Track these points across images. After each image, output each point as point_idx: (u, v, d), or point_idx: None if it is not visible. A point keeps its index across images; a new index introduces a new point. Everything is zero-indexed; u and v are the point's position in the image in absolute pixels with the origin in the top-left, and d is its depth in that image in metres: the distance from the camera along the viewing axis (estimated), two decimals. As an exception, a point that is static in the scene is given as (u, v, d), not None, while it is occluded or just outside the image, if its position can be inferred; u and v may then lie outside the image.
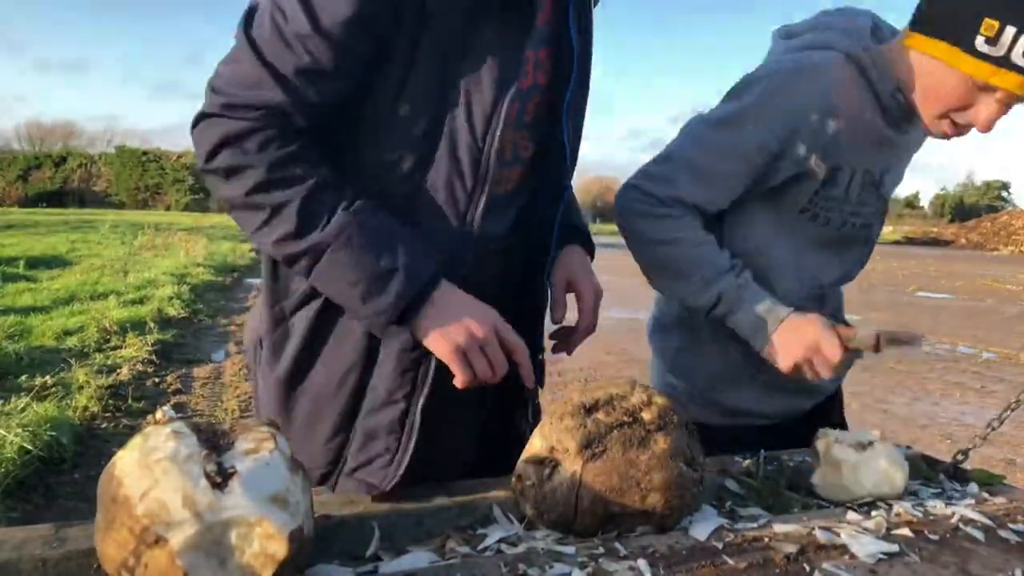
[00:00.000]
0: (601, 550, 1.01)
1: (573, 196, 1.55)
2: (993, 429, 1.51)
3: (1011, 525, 1.20)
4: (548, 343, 1.45)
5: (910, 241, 50.62)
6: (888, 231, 53.11)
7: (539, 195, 1.39)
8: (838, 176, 1.51)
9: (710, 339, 1.64)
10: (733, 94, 1.54)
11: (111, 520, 0.80)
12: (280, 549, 0.79)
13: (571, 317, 1.43)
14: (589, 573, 0.93)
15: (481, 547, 1.03)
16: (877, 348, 1.46)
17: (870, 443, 1.31)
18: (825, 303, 1.66)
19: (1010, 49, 1.31)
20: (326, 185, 1.14)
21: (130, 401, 5.06)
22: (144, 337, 6.88)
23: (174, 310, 8.51)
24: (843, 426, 1.75)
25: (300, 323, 1.25)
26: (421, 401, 1.21)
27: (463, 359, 1.16)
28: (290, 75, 1.11)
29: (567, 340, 1.45)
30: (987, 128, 1.42)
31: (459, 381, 1.17)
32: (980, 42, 1.32)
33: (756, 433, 1.61)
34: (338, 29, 1.09)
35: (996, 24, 1.30)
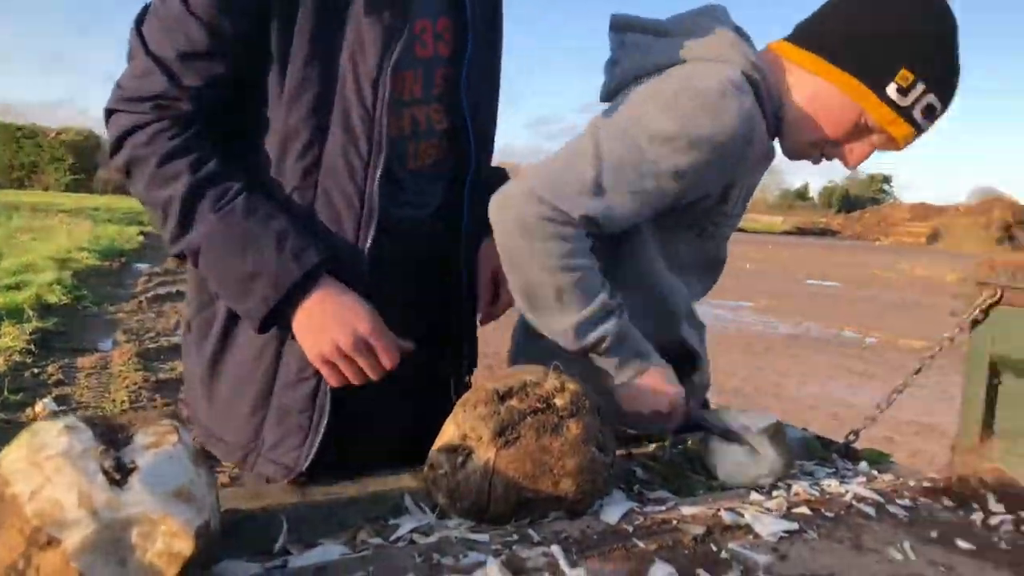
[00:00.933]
0: (515, 537, 1.01)
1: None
2: (881, 411, 1.59)
3: (898, 500, 1.26)
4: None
5: (800, 231, 52.89)
6: (778, 221, 55.37)
7: (457, 181, 1.39)
8: (731, 193, 1.47)
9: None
10: (651, 93, 1.37)
11: (-3, 521, 0.75)
12: (186, 546, 0.76)
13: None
14: (503, 561, 0.93)
15: (393, 538, 1.01)
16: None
17: (757, 429, 1.34)
18: (697, 320, 1.62)
19: (914, 103, 1.34)
20: (210, 181, 1.17)
21: (6, 393, 4.77)
22: (21, 326, 6.49)
23: (55, 297, 8.05)
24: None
25: (223, 304, 1.26)
26: None
27: (330, 366, 1.18)
28: (170, 61, 1.15)
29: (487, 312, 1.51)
30: (855, 166, 1.46)
31: (330, 384, 1.21)
32: (892, 89, 1.33)
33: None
34: (206, 9, 1.14)
35: (911, 76, 1.32)
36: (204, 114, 1.19)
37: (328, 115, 1.21)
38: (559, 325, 1.35)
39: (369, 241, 1.23)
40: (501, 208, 1.32)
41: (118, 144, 1.19)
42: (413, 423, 1.38)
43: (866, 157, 1.43)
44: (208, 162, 1.17)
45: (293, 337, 1.21)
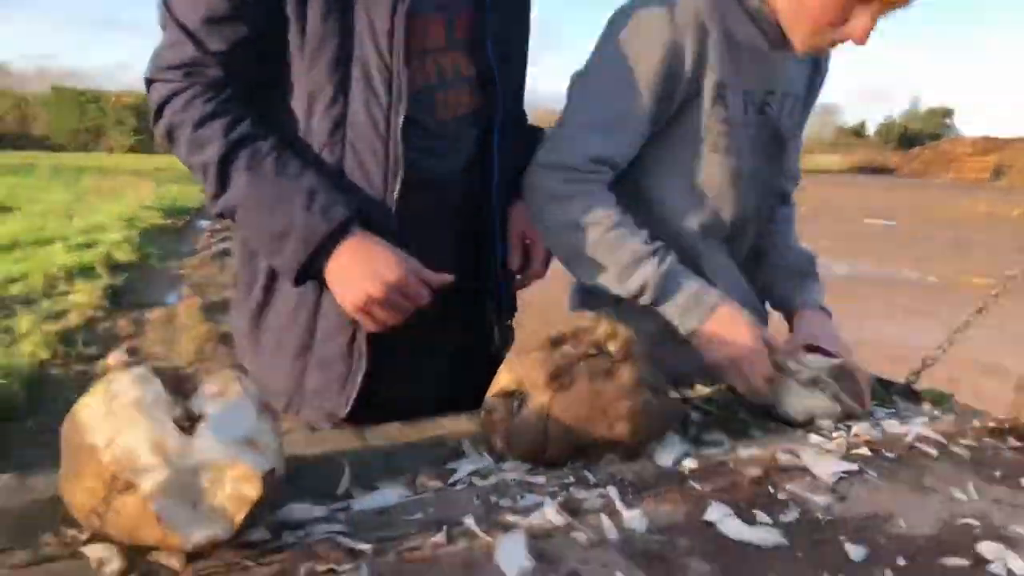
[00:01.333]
0: (571, 479, 1.02)
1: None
2: (943, 351, 1.56)
3: (961, 441, 1.25)
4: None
5: (857, 170, 51.37)
6: (835, 160, 53.78)
7: (488, 131, 1.39)
8: (726, 96, 1.42)
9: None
10: (604, 35, 1.43)
11: (78, 468, 0.79)
12: (253, 490, 0.79)
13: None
14: (560, 502, 0.95)
15: (452, 481, 1.04)
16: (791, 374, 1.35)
17: (821, 373, 1.34)
18: (737, 243, 1.60)
19: None
20: (242, 142, 1.20)
21: (81, 346, 4.97)
22: (93, 282, 6.73)
23: (124, 254, 8.31)
24: None
25: (264, 261, 1.30)
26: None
27: (365, 314, 1.21)
28: (196, 28, 1.19)
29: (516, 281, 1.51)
30: (864, 40, 1.36)
31: (368, 330, 1.24)
32: None
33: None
34: None
35: None
36: (234, 78, 1.23)
37: (349, 69, 1.22)
38: (602, 280, 1.38)
39: (396, 192, 1.24)
40: (526, 191, 1.43)
41: (159, 112, 1.24)
42: (451, 370, 1.40)
43: (871, 28, 1.33)
44: (240, 124, 1.21)
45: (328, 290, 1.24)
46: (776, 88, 1.49)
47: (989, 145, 48.23)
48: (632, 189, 1.47)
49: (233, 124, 1.21)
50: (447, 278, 1.25)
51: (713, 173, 1.47)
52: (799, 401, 1.31)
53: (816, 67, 1.61)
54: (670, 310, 1.37)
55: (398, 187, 1.24)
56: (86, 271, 7.13)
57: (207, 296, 6.73)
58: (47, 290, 6.43)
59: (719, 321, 1.34)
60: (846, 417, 1.32)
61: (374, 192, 1.25)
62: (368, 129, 1.23)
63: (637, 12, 1.38)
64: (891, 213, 18.05)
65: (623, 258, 1.36)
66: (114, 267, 7.66)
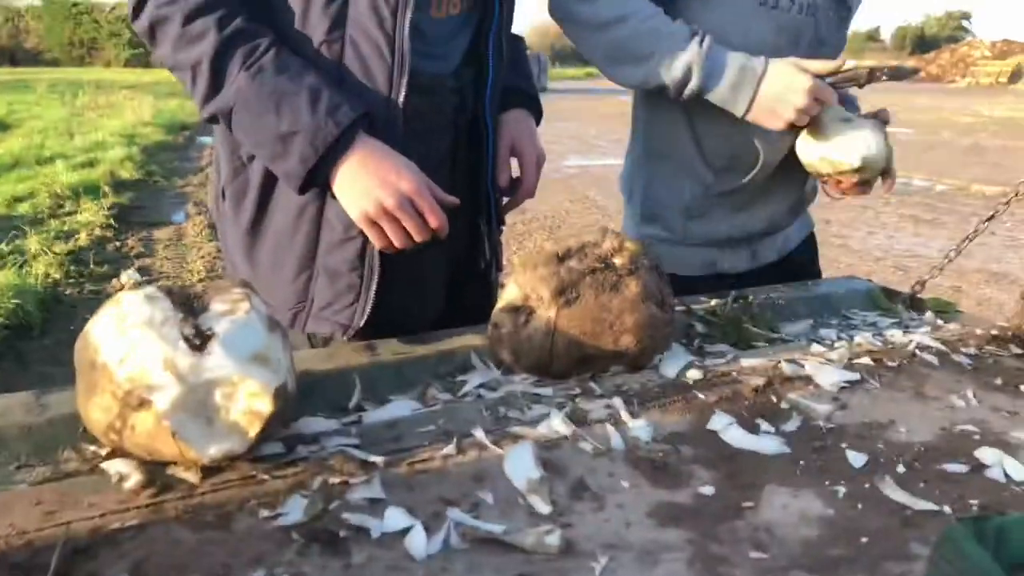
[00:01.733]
0: (577, 391, 1.04)
1: (524, 57, 1.52)
2: (950, 260, 1.55)
3: (963, 349, 1.26)
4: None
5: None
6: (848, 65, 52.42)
7: (480, 37, 1.35)
8: None
9: (676, 166, 1.59)
10: None
11: (92, 386, 0.81)
12: (266, 406, 0.80)
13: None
14: (567, 413, 0.97)
15: (461, 393, 1.06)
16: (870, 79, 1.39)
17: (857, 117, 1.40)
18: None
19: None
20: (238, 38, 1.13)
21: (92, 266, 5.01)
22: (99, 201, 6.72)
23: (127, 172, 8.27)
24: (818, 275, 1.77)
25: (258, 170, 1.25)
26: None
27: (373, 226, 1.16)
28: None
29: (507, 202, 1.46)
30: None
31: (376, 246, 1.19)
32: None
33: (729, 286, 1.56)
34: None
35: None
36: None
37: None
38: (643, 74, 1.40)
39: (403, 94, 1.19)
40: (552, 5, 1.43)
41: (140, 6, 1.15)
42: (448, 284, 1.40)
43: None
44: (235, 18, 1.13)
45: (334, 197, 1.19)
46: None
47: (1008, 48, 46.95)
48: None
49: (227, 18, 1.13)
50: (454, 200, 1.21)
51: (759, 28, 1.44)
52: (853, 141, 1.38)
53: None
54: (722, 89, 1.38)
55: (403, 89, 1.19)
56: (91, 190, 7.11)
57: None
58: (54, 210, 6.43)
59: (769, 85, 1.36)
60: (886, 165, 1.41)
61: (379, 92, 1.20)
62: (372, 26, 1.17)
63: None
64: (907, 120, 17.73)
65: (662, 46, 1.36)
66: (119, 185, 7.64)
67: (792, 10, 1.46)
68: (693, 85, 1.37)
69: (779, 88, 1.35)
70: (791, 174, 1.57)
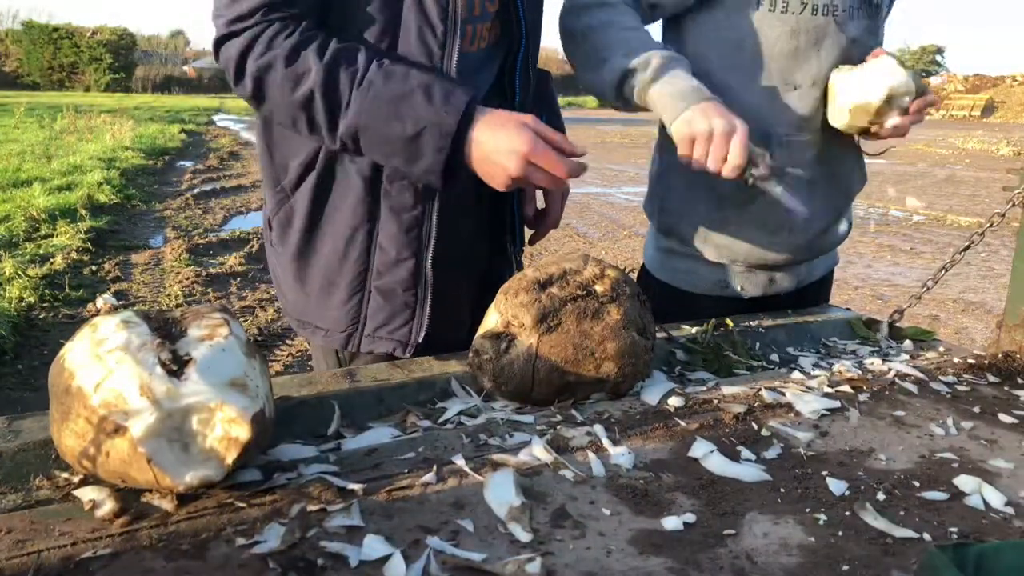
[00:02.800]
0: (558, 418, 1.04)
1: (552, 93, 1.57)
2: (928, 289, 1.57)
3: (942, 378, 1.27)
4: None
5: (847, 107, 50.78)
6: (826, 97, 53.19)
7: (506, 69, 1.38)
8: None
9: (691, 178, 1.51)
10: None
11: (66, 411, 0.79)
12: (243, 432, 0.79)
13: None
14: (548, 440, 0.96)
15: (442, 420, 1.05)
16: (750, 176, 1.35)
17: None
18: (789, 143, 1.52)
19: None
20: (338, 62, 1.15)
21: (68, 290, 4.95)
22: (76, 225, 6.66)
23: (105, 196, 8.21)
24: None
25: (302, 198, 1.29)
26: (429, 257, 1.27)
27: (521, 183, 1.19)
28: None
29: (532, 233, 1.52)
30: None
31: (543, 185, 1.23)
32: None
33: (738, 309, 1.56)
34: None
35: None
36: (309, 9, 1.19)
37: (400, 2, 1.20)
38: (603, 74, 1.42)
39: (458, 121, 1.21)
40: (560, 16, 1.48)
41: (240, 68, 1.18)
42: (477, 305, 1.41)
43: None
44: (328, 45, 1.16)
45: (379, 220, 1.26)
46: None
47: (980, 83, 47.95)
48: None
49: (322, 47, 1.16)
50: (582, 150, 1.22)
51: (772, 32, 1.44)
52: (872, 78, 1.40)
53: None
54: (666, 88, 1.36)
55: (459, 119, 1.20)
56: (68, 213, 7.05)
57: (192, 238, 6.69)
58: (29, 233, 6.37)
59: (707, 109, 1.33)
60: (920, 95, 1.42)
61: None
62: (421, 59, 1.21)
63: None
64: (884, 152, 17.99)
65: (634, 44, 1.39)
66: (96, 209, 7.58)
67: (805, 11, 1.44)
68: (645, 75, 1.37)
69: (703, 112, 1.32)
70: (818, 201, 1.54)
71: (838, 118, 1.43)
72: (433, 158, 1.15)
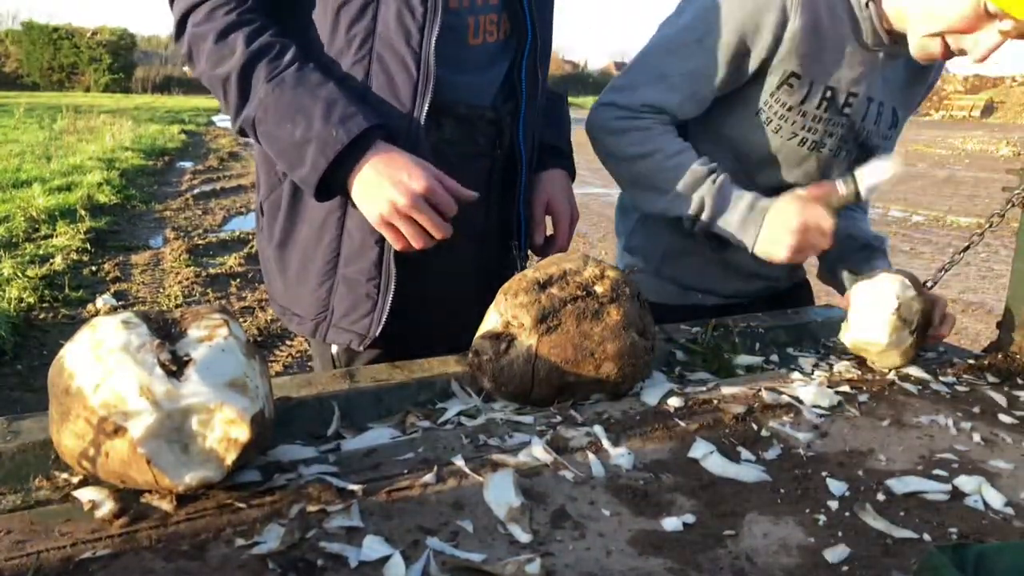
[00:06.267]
0: (559, 418, 1.04)
1: (565, 115, 1.58)
2: (928, 289, 1.57)
3: (942, 378, 1.27)
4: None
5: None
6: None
7: (514, 66, 1.38)
8: (794, 83, 1.44)
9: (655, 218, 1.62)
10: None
11: (66, 412, 0.79)
12: (243, 433, 0.79)
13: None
14: (548, 440, 0.96)
15: (441, 421, 1.05)
16: (859, 195, 1.39)
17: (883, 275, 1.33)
18: None
19: None
20: (263, 52, 1.17)
21: (67, 291, 4.94)
22: (76, 225, 6.66)
23: (105, 197, 8.21)
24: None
25: (288, 183, 1.30)
26: (393, 248, 1.25)
27: (390, 228, 1.18)
28: None
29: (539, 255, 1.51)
30: (983, 59, 1.31)
31: (395, 247, 1.21)
32: None
33: (713, 312, 1.59)
34: None
35: None
36: None
37: None
38: (658, 205, 1.48)
39: (426, 108, 1.22)
40: (588, 127, 1.51)
41: (181, 25, 1.22)
42: (477, 300, 1.41)
43: (995, 47, 1.28)
44: (262, 34, 1.18)
45: (354, 206, 1.22)
46: (860, 91, 1.48)
47: (980, 83, 47.96)
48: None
49: (255, 34, 1.18)
50: (472, 194, 1.22)
51: (757, 139, 1.50)
52: (874, 314, 1.29)
53: (918, 77, 1.57)
54: (731, 223, 1.43)
55: (427, 106, 1.22)
56: (68, 214, 7.05)
57: (192, 239, 6.69)
58: (29, 233, 6.36)
59: (772, 219, 1.40)
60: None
61: (401, 109, 1.23)
62: (399, 41, 1.20)
63: None
64: (878, 151, 17.98)
65: (681, 181, 1.43)
66: (96, 209, 7.58)
67: (794, 140, 1.50)
68: (703, 221, 1.44)
69: (777, 226, 1.40)
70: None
71: (847, 339, 1.33)
72: (310, 170, 1.16)
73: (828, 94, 1.46)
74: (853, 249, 1.61)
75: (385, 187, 1.15)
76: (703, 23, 1.42)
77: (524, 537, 0.77)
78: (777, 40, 1.39)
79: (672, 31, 1.48)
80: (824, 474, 0.92)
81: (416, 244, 1.19)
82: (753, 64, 1.43)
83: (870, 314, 1.27)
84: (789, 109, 1.46)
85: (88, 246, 6.12)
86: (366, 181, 1.17)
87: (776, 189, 1.53)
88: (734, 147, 1.53)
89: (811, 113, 1.47)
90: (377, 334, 1.29)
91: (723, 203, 1.43)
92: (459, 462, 0.90)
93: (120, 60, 36.64)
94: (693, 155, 1.45)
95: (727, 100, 1.50)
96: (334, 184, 1.19)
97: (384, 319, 1.28)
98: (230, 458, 0.79)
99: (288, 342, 4.24)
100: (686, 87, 1.45)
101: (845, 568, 0.74)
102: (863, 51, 1.44)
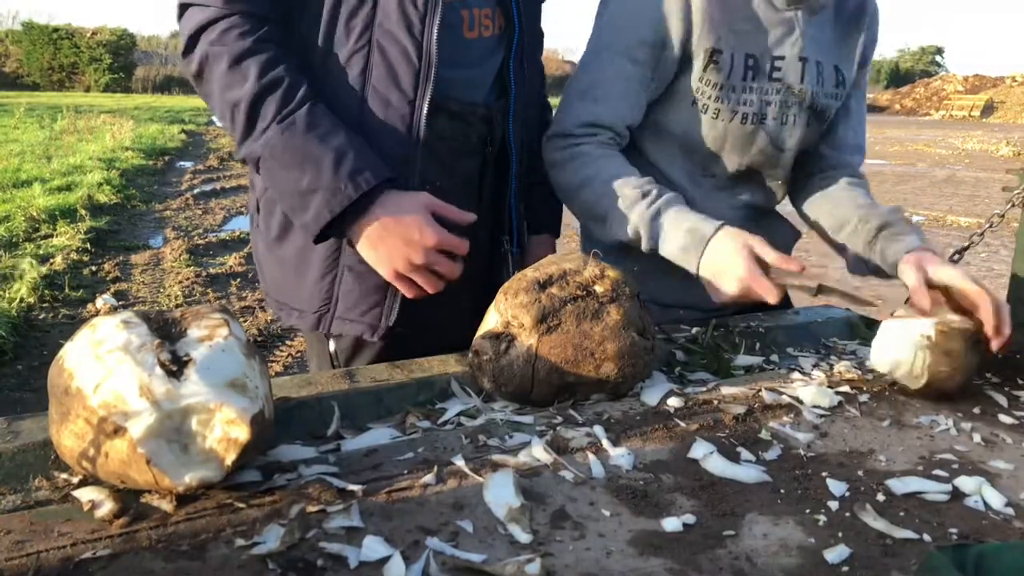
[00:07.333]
0: (559, 419, 1.03)
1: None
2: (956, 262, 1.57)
3: (942, 378, 1.26)
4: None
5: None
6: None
7: (505, 61, 1.39)
8: (719, 59, 1.42)
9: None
10: (600, 4, 1.49)
11: (66, 412, 0.79)
12: (242, 433, 0.79)
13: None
14: (548, 441, 0.96)
15: (441, 421, 1.05)
16: (819, 291, 1.27)
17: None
18: (737, 193, 1.58)
19: None
20: (275, 86, 1.16)
21: (67, 290, 4.95)
22: (76, 225, 6.67)
23: (105, 196, 8.20)
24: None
25: None
26: None
27: (404, 280, 1.21)
28: None
29: None
30: None
31: (408, 295, 1.24)
32: None
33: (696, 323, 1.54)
34: None
35: None
36: (276, 4, 1.20)
37: None
38: (605, 233, 1.43)
39: (428, 99, 1.23)
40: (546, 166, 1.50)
41: (192, 41, 1.20)
42: (474, 298, 1.41)
43: None
44: (275, 67, 1.17)
45: (355, 251, 1.24)
46: (787, 53, 1.46)
47: (980, 83, 47.95)
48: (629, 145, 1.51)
49: (268, 65, 1.17)
50: (471, 216, 1.24)
51: (700, 131, 1.47)
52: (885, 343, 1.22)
53: (850, 29, 1.54)
54: (673, 254, 1.36)
55: (428, 96, 1.23)
56: (68, 214, 7.05)
57: (192, 239, 6.69)
58: (29, 233, 6.36)
59: (714, 258, 1.30)
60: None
61: (403, 100, 1.23)
62: (401, 31, 1.21)
63: None
64: (882, 152, 17.99)
65: (614, 209, 1.39)
66: (96, 209, 7.58)
67: (735, 119, 1.47)
68: (644, 246, 1.39)
69: (718, 266, 1.30)
70: None
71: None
72: (311, 220, 1.17)
73: (750, 62, 1.44)
74: (870, 234, 1.48)
75: (398, 246, 1.17)
76: (609, 29, 1.44)
77: (524, 537, 0.77)
78: (687, 21, 1.39)
79: (588, 46, 1.48)
80: (824, 474, 0.92)
81: (431, 291, 1.23)
82: (676, 51, 1.41)
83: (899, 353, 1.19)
84: (720, 88, 1.43)
85: (88, 246, 6.13)
86: (375, 238, 1.18)
87: (736, 177, 1.54)
88: (681, 143, 1.50)
89: (739, 85, 1.44)
90: (391, 323, 1.29)
91: (656, 231, 1.36)
92: (459, 462, 0.90)
93: (120, 60, 36.61)
94: (629, 178, 1.39)
95: (664, 97, 1.48)
96: (333, 232, 1.20)
97: (397, 307, 1.29)
98: (230, 458, 0.79)
99: (288, 342, 4.24)
100: (611, 94, 1.43)
101: (845, 568, 0.74)
102: (774, 11, 1.43)
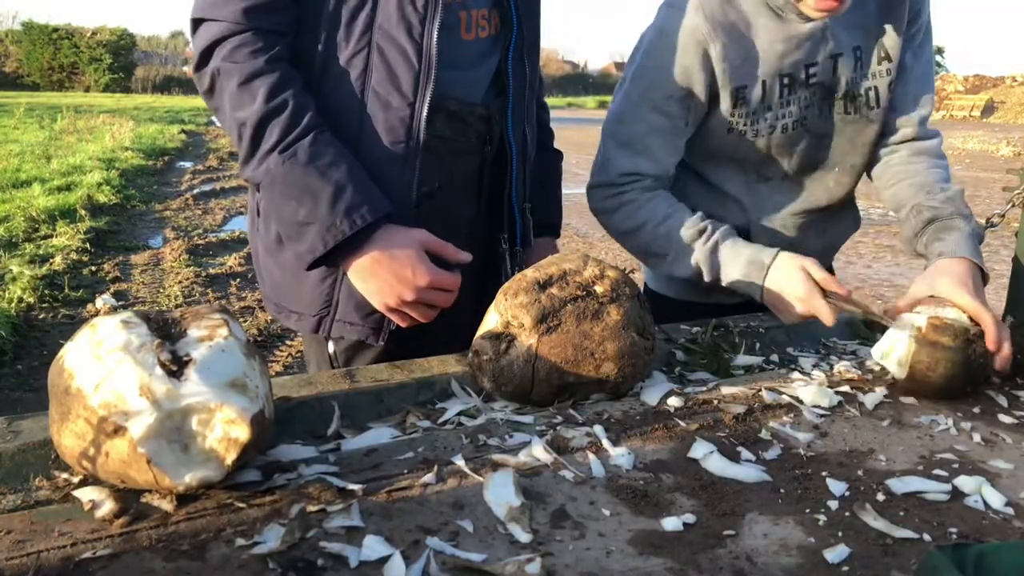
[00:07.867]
0: (559, 418, 1.04)
1: (557, 173, 1.64)
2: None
3: (942, 378, 1.26)
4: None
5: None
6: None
7: (502, 60, 1.39)
8: (745, 94, 1.46)
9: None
10: (632, 55, 1.53)
11: (66, 412, 0.79)
12: (243, 433, 0.79)
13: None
14: (548, 440, 0.96)
15: (441, 420, 1.05)
16: (867, 324, 1.42)
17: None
18: (806, 235, 1.63)
19: None
20: (281, 111, 1.17)
21: (67, 290, 4.95)
22: (76, 225, 6.67)
23: (105, 196, 8.21)
24: None
25: None
26: None
27: (397, 313, 1.23)
28: None
29: None
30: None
31: (401, 325, 1.26)
32: None
33: (730, 310, 1.59)
34: None
35: None
36: (292, 22, 1.21)
37: None
38: (665, 269, 1.52)
39: (427, 101, 1.23)
40: (591, 209, 1.58)
41: (205, 56, 1.20)
42: (476, 302, 1.41)
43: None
44: (283, 90, 1.17)
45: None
46: (819, 57, 1.47)
47: (980, 83, 47.96)
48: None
49: (276, 88, 1.17)
50: (467, 256, 1.25)
51: (743, 148, 1.52)
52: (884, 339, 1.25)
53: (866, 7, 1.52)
54: (735, 282, 1.44)
55: (428, 98, 1.24)
56: (68, 214, 7.05)
57: (192, 239, 6.69)
58: (29, 233, 6.37)
59: (775, 285, 1.38)
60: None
61: (403, 101, 1.24)
62: (401, 33, 1.21)
63: (656, 35, 1.47)
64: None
65: (674, 248, 1.47)
66: (96, 209, 7.58)
67: (775, 132, 1.51)
68: (706, 279, 1.47)
69: (779, 289, 1.38)
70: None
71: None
72: (307, 249, 1.19)
73: (785, 80, 1.48)
74: (919, 226, 1.47)
75: (390, 281, 1.19)
76: (640, 81, 1.48)
77: (524, 537, 0.77)
78: (710, 72, 1.44)
79: (617, 100, 1.53)
80: (824, 474, 0.92)
81: (424, 321, 1.24)
82: (703, 97, 1.46)
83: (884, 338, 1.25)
84: (753, 114, 1.49)
85: (88, 246, 6.13)
86: (367, 272, 1.20)
87: (793, 175, 1.58)
88: (730, 158, 1.56)
89: (775, 103, 1.49)
90: (393, 327, 1.30)
91: (716, 265, 1.45)
92: (459, 462, 0.90)
93: (120, 60, 36.63)
94: (681, 217, 1.48)
95: (702, 129, 1.53)
96: (326, 263, 1.22)
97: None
98: (230, 458, 0.79)
99: (288, 342, 4.24)
100: (651, 145, 1.49)
101: (845, 568, 0.74)
102: (803, 22, 1.43)
